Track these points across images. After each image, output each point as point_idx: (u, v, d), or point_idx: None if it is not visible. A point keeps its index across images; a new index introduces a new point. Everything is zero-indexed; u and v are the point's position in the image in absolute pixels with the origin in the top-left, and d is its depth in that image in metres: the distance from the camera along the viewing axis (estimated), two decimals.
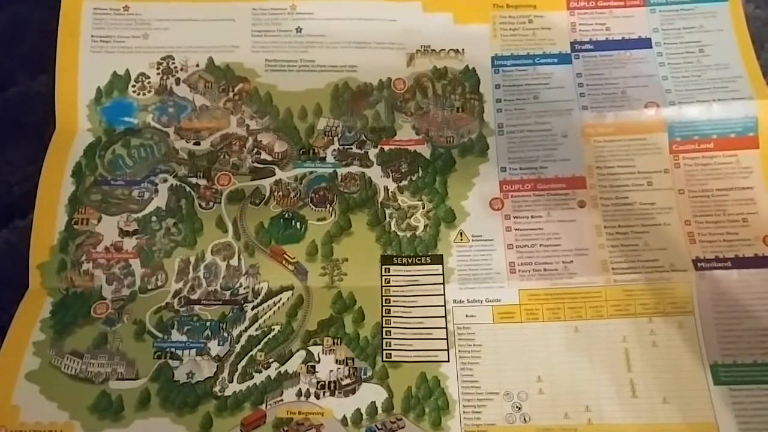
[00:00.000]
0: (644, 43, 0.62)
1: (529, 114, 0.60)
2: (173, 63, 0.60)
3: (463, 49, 0.62)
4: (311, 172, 0.58)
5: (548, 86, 0.61)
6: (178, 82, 0.60)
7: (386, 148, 0.59)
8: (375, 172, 0.58)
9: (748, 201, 0.56)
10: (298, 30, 0.62)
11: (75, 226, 0.55)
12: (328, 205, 0.57)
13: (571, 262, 0.55)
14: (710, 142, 0.58)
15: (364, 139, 0.59)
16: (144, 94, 0.59)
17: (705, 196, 0.56)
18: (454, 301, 0.54)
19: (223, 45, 0.61)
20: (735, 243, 0.54)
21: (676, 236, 0.55)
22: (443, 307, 0.53)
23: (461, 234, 0.56)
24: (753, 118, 0.57)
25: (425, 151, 0.59)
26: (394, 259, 0.55)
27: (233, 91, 0.60)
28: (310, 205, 0.57)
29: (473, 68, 0.61)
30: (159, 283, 0.53)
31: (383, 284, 0.54)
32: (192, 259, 0.54)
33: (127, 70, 0.60)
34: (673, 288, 0.53)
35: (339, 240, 0.56)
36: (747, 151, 0.57)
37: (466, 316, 0.53)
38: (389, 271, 0.55)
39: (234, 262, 0.54)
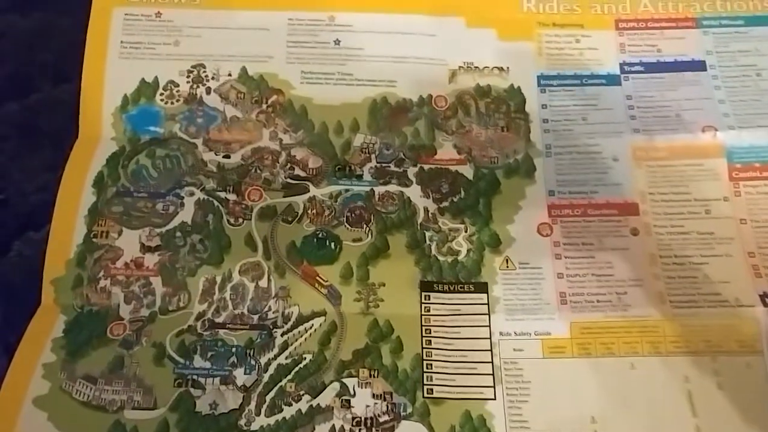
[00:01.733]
0: (698, 65, 0.59)
1: (577, 135, 0.56)
2: (204, 72, 0.57)
3: (507, 67, 0.59)
4: (347, 190, 0.54)
5: (597, 107, 0.57)
6: (208, 91, 0.57)
7: (426, 167, 0.56)
8: (414, 192, 0.55)
9: None
10: (336, 42, 0.59)
11: (94, 240, 0.51)
12: (365, 225, 0.53)
13: (625, 293, 0.51)
14: None
15: (403, 157, 0.56)
16: (172, 103, 0.56)
17: None
18: (501, 334, 0.49)
19: (257, 55, 0.58)
20: None
21: (740, 269, 0.51)
22: (488, 340, 0.49)
23: (507, 261, 0.52)
24: None
25: (467, 171, 0.56)
26: (435, 285, 0.51)
27: (266, 102, 0.57)
28: (346, 224, 0.53)
29: (518, 87, 0.58)
30: (181, 304, 0.49)
31: (423, 312, 0.50)
32: (218, 279, 0.50)
33: (156, 78, 0.57)
34: (738, 325, 0.49)
35: (375, 262, 0.52)
36: None
37: (514, 350, 0.49)
38: (429, 299, 0.51)
39: (263, 283, 0.50)
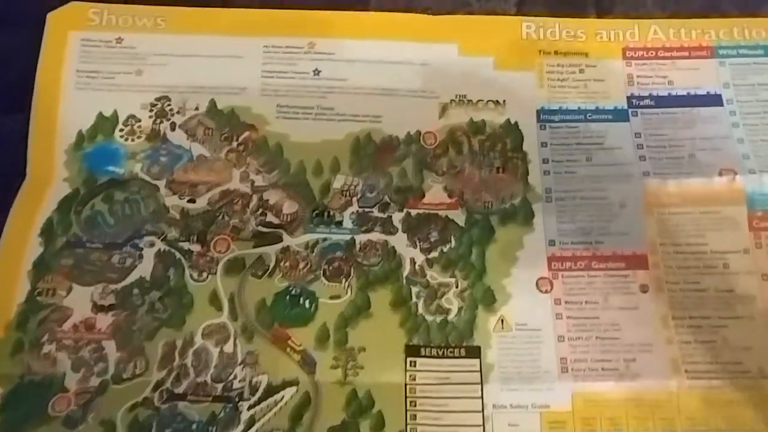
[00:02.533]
0: (714, 100, 0.53)
1: (581, 178, 0.51)
2: (169, 105, 0.52)
3: (504, 101, 0.53)
4: (325, 239, 0.49)
5: (603, 146, 0.52)
6: (173, 127, 0.51)
7: (413, 211, 0.50)
8: (400, 241, 0.49)
9: None
10: (316, 72, 0.54)
11: (38, 298, 0.45)
12: (344, 280, 0.48)
13: (634, 359, 0.46)
14: None
15: (388, 200, 0.50)
16: (133, 140, 0.51)
17: None
18: (494, 406, 0.44)
19: (228, 86, 0.53)
20: None
21: (763, 332, 0.46)
22: (481, 414, 0.44)
23: (502, 321, 0.47)
24: None
25: (459, 216, 0.50)
26: (422, 349, 0.46)
27: (237, 140, 0.51)
28: (323, 278, 0.47)
29: (516, 122, 0.53)
30: (137, 371, 0.44)
31: (408, 381, 0.45)
32: (179, 343, 0.45)
33: (115, 111, 0.51)
34: (763, 400, 0.44)
35: (355, 323, 0.46)
36: None
37: (509, 424, 0.44)
38: (415, 365, 0.45)
39: (228, 348, 0.45)
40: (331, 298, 0.47)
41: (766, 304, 0.47)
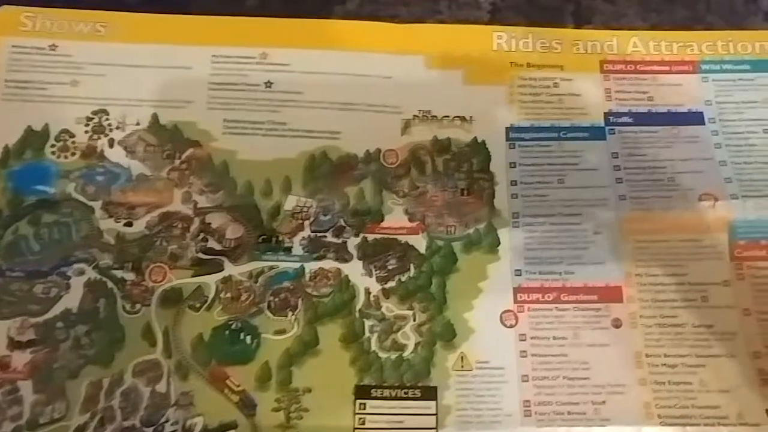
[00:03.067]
0: (695, 118, 0.50)
1: (552, 202, 0.47)
2: (107, 119, 0.48)
3: (471, 117, 0.50)
4: (271, 267, 0.45)
5: (577, 167, 0.48)
6: (111, 143, 0.47)
7: (370, 237, 0.46)
8: (354, 269, 0.45)
9: None
10: (268, 84, 0.50)
11: None
12: (290, 313, 0.44)
13: (603, 402, 0.42)
14: None
15: (344, 224, 0.47)
16: (66, 157, 0.46)
17: None
18: None
19: (172, 99, 0.49)
20: None
21: (743, 374, 0.42)
22: None
23: (462, 358, 0.43)
24: None
25: (420, 242, 0.46)
26: (373, 390, 0.42)
27: (181, 157, 0.47)
28: (267, 312, 0.44)
29: (483, 141, 0.49)
30: (56, 415, 0.40)
31: (357, 425, 0.41)
32: (105, 383, 0.41)
33: (47, 126, 0.47)
34: None
35: (301, 362, 0.42)
36: None
37: None
38: (365, 408, 0.41)
39: (161, 387, 0.41)
40: (276, 333, 0.43)
41: (747, 342, 0.43)
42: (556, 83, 0.51)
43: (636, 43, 0.52)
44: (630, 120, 0.50)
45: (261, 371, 0.42)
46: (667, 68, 0.51)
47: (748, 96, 0.50)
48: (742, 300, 0.44)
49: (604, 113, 0.50)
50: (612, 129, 0.49)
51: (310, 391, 0.42)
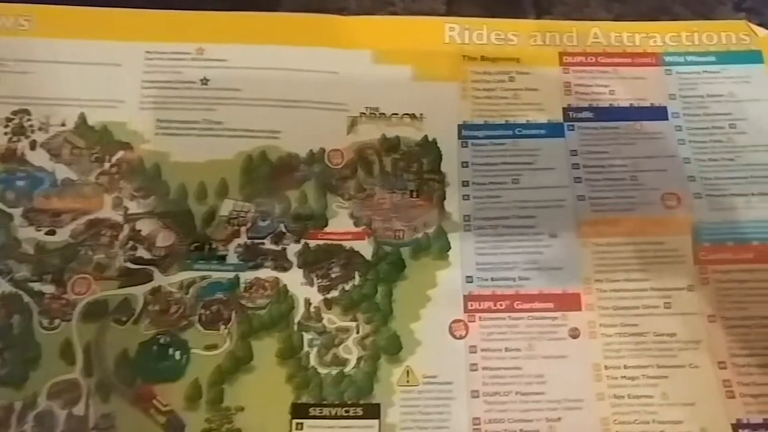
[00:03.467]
0: (659, 113, 0.47)
1: (506, 204, 0.44)
2: (29, 120, 0.44)
3: (421, 114, 0.47)
4: (203, 278, 0.42)
5: (533, 166, 0.45)
6: (33, 145, 0.44)
7: (313, 243, 0.43)
8: (294, 278, 0.42)
9: None
10: (204, 81, 0.47)
11: None
12: (223, 327, 0.41)
13: (559, 419, 0.39)
14: (750, 251, 0.43)
15: (284, 230, 0.44)
16: None
17: (745, 326, 0.41)
18: None
19: (102, 98, 0.45)
20: None
21: (707, 385, 0.39)
22: None
23: (408, 373, 0.40)
24: None
25: (366, 249, 0.43)
26: (311, 409, 0.39)
27: (110, 160, 0.44)
28: (198, 325, 0.40)
29: (434, 139, 0.46)
30: None
31: None
32: (17, 406, 0.37)
33: None
34: None
35: (234, 379, 0.39)
36: None
37: None
38: (302, 428, 0.38)
39: (79, 410, 0.38)
40: (207, 348, 0.40)
41: (712, 351, 0.40)
42: (512, 77, 0.48)
43: (597, 35, 0.49)
44: (590, 115, 0.47)
45: (190, 389, 0.39)
46: (629, 60, 0.49)
47: (713, 89, 0.47)
48: (706, 306, 0.42)
49: (563, 109, 0.47)
50: (571, 125, 0.47)
51: (242, 410, 0.39)
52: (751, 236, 0.43)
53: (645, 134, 0.46)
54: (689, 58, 0.48)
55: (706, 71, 0.48)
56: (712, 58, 0.48)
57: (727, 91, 0.47)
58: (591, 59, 0.49)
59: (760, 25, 0.50)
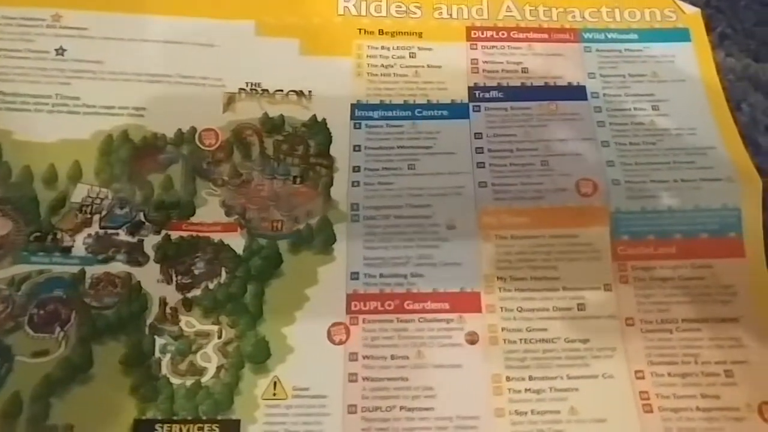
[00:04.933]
0: (577, 93, 0.42)
1: (399, 191, 0.39)
2: None
3: (309, 92, 0.42)
4: (41, 272, 0.36)
5: (431, 151, 0.40)
6: None
7: (175, 235, 0.38)
8: (149, 275, 0.36)
9: (732, 342, 0.35)
10: (60, 51, 0.41)
11: None
12: (59, 329, 0.35)
13: None
14: (672, 245, 0.38)
15: (143, 219, 0.38)
16: None
17: (666, 331, 0.36)
18: None
19: None
20: (715, 414, 0.34)
21: (622, 398, 0.34)
22: None
23: (275, 384, 0.34)
24: (735, 210, 0.38)
25: (237, 242, 0.38)
26: (158, 427, 0.33)
27: None
28: (27, 328, 0.34)
29: (323, 119, 0.41)
30: None
31: None
32: None
33: None
34: None
35: (65, 391, 0.33)
36: (726, 261, 0.37)
37: None
38: None
39: None
40: (35, 355, 0.34)
41: (629, 359, 0.35)
42: (412, 53, 0.43)
43: (510, 8, 0.45)
44: (500, 95, 0.42)
45: (9, 404, 0.32)
46: (545, 36, 0.44)
47: (635, 69, 0.43)
48: (625, 308, 0.36)
49: (469, 88, 0.42)
50: (477, 106, 0.42)
51: (71, 429, 0.32)
52: (673, 229, 0.38)
53: (560, 115, 0.41)
54: (610, 35, 0.44)
55: (627, 49, 0.44)
56: (635, 36, 0.44)
57: (650, 71, 0.43)
58: (502, 34, 0.44)
59: (687, 1, 0.46)
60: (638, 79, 0.43)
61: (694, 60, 0.43)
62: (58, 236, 0.37)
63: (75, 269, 0.36)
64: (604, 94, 0.42)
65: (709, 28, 0.45)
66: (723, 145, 0.40)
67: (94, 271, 0.36)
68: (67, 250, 0.37)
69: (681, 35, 0.44)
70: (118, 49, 0.41)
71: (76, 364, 0.34)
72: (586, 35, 0.44)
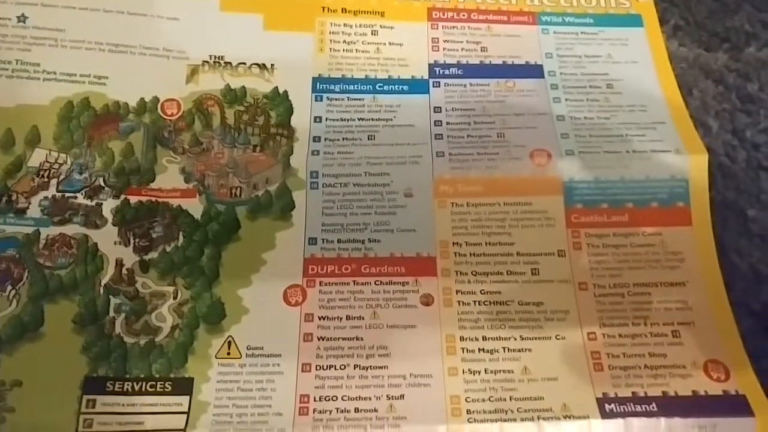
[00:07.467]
0: (534, 71, 0.43)
1: (358, 160, 0.40)
2: None
3: (272, 65, 0.42)
4: None
5: (391, 123, 0.41)
6: None
7: (134, 199, 0.38)
8: (106, 236, 0.36)
9: (680, 305, 0.36)
10: (22, 18, 0.41)
11: None
12: (10, 288, 0.34)
13: (402, 397, 0.33)
14: (624, 213, 0.39)
15: (102, 184, 0.38)
16: None
17: (618, 294, 0.37)
18: None
19: None
20: (662, 372, 0.34)
21: (574, 358, 0.35)
22: None
23: (229, 344, 0.34)
24: (683, 181, 0.39)
25: (196, 207, 0.38)
26: (109, 384, 0.33)
27: None
28: None
29: (285, 91, 0.42)
30: None
31: (82, 428, 0.32)
32: None
33: None
34: None
35: (14, 348, 0.33)
36: (675, 229, 0.38)
37: None
38: (94, 406, 0.32)
39: None
40: None
41: (581, 321, 0.36)
42: (374, 31, 0.44)
43: None
44: (459, 72, 0.43)
45: None
46: (504, 18, 0.45)
47: (591, 50, 0.44)
48: (578, 273, 0.37)
49: (429, 65, 0.43)
50: (437, 82, 0.43)
51: (20, 385, 0.32)
52: (625, 198, 0.39)
53: (518, 92, 0.42)
54: (567, 19, 0.45)
55: (583, 32, 0.45)
56: (590, 20, 0.45)
57: (605, 53, 0.44)
58: (463, 15, 0.45)
59: None
60: (594, 59, 0.44)
61: (646, 44, 0.45)
62: (13, 198, 0.37)
63: (29, 230, 0.36)
64: (561, 73, 0.43)
65: (663, 21, 0.47)
66: (672, 120, 0.41)
67: (49, 232, 0.36)
68: (21, 212, 0.36)
69: (634, 21, 0.46)
70: (80, 18, 0.41)
71: (25, 322, 0.34)
72: (544, 18, 0.45)
